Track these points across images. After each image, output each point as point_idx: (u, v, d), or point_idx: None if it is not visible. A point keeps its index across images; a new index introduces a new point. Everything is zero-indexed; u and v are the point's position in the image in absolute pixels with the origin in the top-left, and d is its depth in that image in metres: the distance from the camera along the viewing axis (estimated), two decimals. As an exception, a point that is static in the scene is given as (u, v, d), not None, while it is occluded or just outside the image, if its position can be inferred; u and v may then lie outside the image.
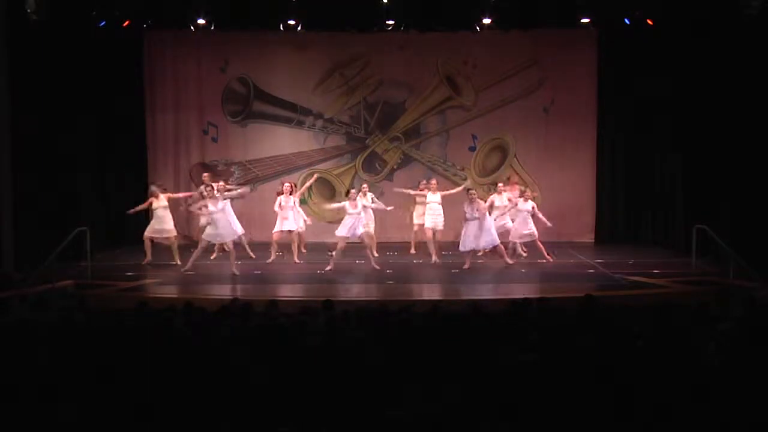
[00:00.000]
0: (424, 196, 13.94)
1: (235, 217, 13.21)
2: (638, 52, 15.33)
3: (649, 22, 14.70)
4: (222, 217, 12.44)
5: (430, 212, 13.72)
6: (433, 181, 14.29)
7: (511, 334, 6.25)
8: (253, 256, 13.74)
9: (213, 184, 12.98)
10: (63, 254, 11.67)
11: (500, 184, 14.28)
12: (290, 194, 13.63)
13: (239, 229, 13.18)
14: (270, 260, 13.49)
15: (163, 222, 13.41)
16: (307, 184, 14.70)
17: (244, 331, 6.50)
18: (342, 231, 12.68)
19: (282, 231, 13.57)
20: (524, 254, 13.82)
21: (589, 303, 7.87)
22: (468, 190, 13.11)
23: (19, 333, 6.32)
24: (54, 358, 5.55)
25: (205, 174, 14.28)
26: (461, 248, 12.92)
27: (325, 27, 15.41)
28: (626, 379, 5.01)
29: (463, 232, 12.90)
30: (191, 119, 16.55)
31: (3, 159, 12.41)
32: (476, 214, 12.70)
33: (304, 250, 14.03)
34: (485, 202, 13.19)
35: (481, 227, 12.71)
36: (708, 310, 7.34)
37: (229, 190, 13.46)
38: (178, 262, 13.07)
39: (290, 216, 13.53)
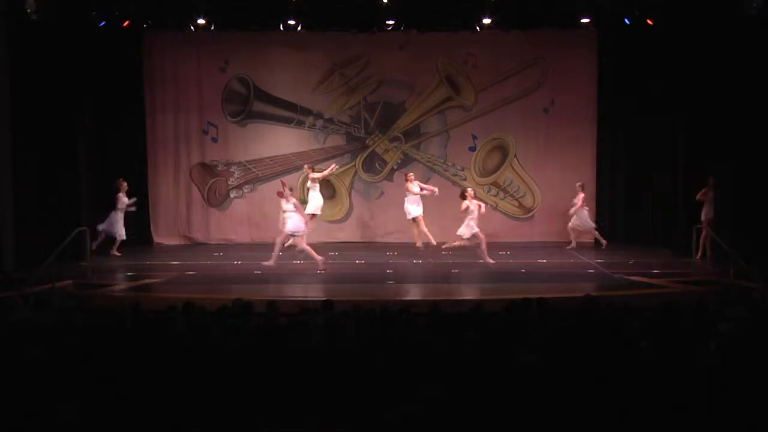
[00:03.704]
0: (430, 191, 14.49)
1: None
2: (638, 52, 15.32)
3: (649, 22, 14.69)
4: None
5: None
6: (411, 175, 14.74)
7: (510, 335, 6.25)
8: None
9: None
10: (63, 254, 11.67)
11: (470, 189, 13.97)
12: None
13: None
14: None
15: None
16: (327, 171, 14.62)
17: (244, 331, 6.49)
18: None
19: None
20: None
21: (589, 303, 7.86)
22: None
23: (19, 333, 6.32)
24: (54, 358, 5.55)
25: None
26: None
27: (325, 27, 15.38)
28: (626, 380, 5.01)
29: None
30: (191, 119, 16.53)
31: (3, 159, 12.41)
32: None
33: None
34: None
35: None
36: (708, 310, 7.33)
37: None
38: None
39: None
